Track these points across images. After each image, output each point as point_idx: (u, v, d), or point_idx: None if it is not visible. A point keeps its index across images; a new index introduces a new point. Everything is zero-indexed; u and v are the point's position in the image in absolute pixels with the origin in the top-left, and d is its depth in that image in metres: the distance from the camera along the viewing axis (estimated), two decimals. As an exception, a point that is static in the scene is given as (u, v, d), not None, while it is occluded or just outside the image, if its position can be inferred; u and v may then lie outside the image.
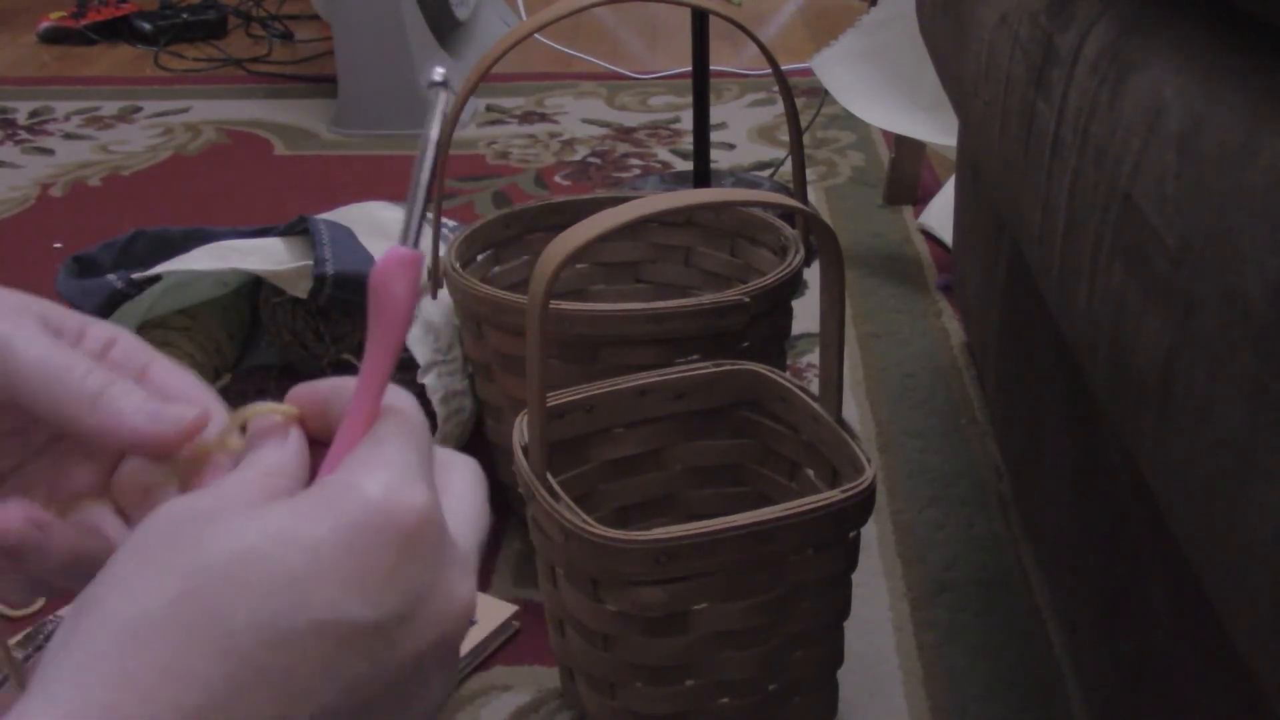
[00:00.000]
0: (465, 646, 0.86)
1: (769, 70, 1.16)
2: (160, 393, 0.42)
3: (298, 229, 1.01)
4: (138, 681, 0.32)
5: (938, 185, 1.62)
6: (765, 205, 0.99)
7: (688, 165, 1.72)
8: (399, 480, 0.36)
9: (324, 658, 0.34)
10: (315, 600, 0.34)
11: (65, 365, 0.40)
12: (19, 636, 0.87)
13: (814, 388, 0.81)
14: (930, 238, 1.52)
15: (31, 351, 0.40)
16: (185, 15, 2.53)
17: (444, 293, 0.97)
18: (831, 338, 0.77)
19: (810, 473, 0.83)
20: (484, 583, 0.95)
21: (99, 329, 0.43)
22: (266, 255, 0.98)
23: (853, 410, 1.16)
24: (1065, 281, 0.53)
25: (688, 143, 1.84)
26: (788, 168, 1.66)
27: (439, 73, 0.41)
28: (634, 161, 1.81)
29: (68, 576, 0.42)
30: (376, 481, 0.35)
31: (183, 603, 0.33)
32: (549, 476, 0.72)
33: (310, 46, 2.44)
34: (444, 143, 0.93)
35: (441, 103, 0.41)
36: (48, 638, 0.85)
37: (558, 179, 1.75)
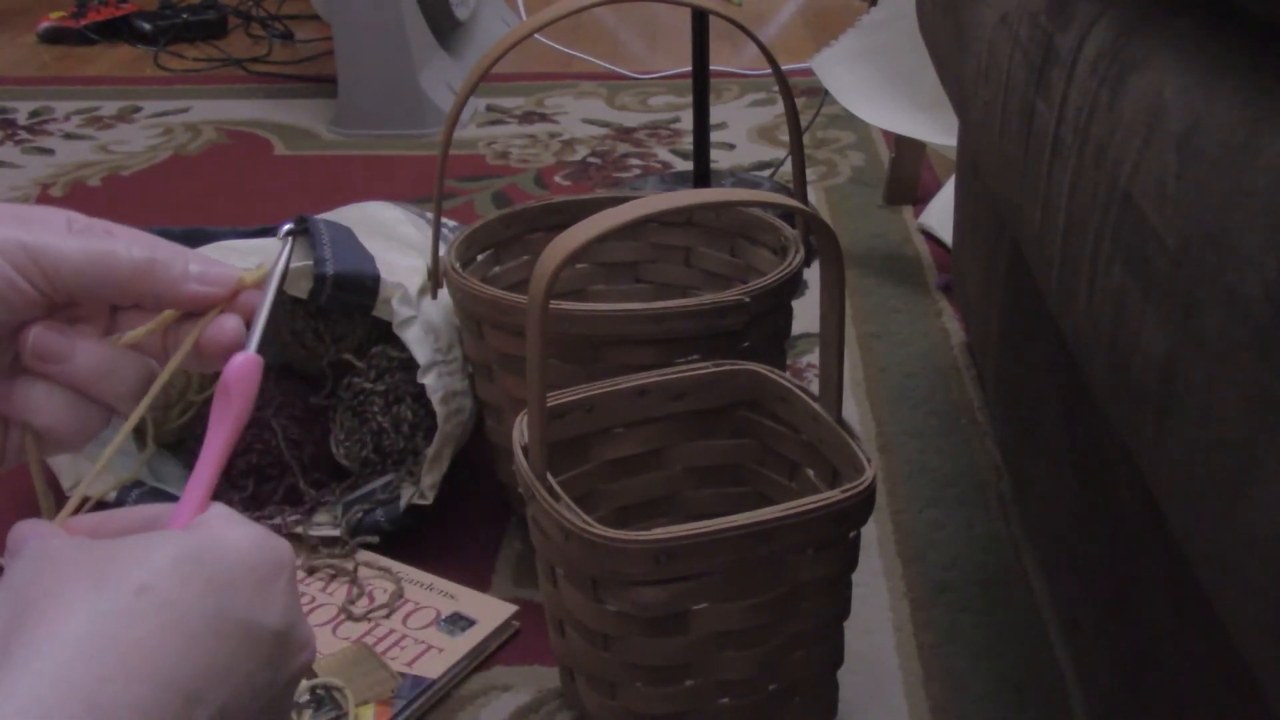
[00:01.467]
0: (465, 646, 0.87)
1: (769, 70, 1.16)
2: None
3: (298, 229, 1.01)
4: (120, 656, 0.37)
5: (938, 185, 1.62)
6: (765, 205, 0.99)
7: (688, 165, 1.72)
8: (269, 530, 0.43)
9: (248, 655, 0.40)
10: (238, 601, 0.40)
11: (107, 249, 0.44)
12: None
13: (814, 388, 0.81)
14: (930, 238, 1.52)
15: (72, 246, 0.44)
16: (185, 15, 2.53)
17: (444, 293, 0.97)
18: (831, 338, 0.77)
19: (810, 473, 0.83)
20: (484, 583, 0.95)
21: (110, 225, 0.47)
22: (267, 255, 0.98)
23: (853, 410, 1.16)
24: (1065, 281, 0.53)
25: (688, 143, 1.84)
26: (788, 168, 1.66)
27: (288, 226, 0.51)
28: (634, 161, 1.81)
29: (109, 388, 0.45)
30: (255, 525, 0.43)
31: (143, 595, 0.38)
32: (549, 476, 0.72)
33: (310, 46, 2.44)
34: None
35: (288, 248, 0.49)
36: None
37: (558, 179, 1.75)
